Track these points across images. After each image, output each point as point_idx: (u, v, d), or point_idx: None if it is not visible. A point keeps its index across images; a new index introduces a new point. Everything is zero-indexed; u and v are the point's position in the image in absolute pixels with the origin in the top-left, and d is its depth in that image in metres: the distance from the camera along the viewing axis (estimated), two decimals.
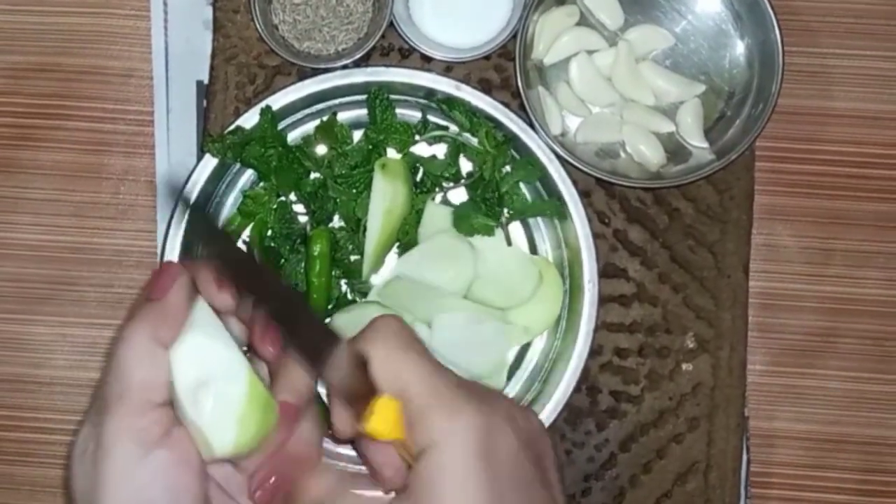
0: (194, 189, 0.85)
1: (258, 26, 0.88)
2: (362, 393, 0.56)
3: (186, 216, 0.70)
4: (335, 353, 0.57)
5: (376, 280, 0.88)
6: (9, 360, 0.96)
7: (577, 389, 0.86)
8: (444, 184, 0.89)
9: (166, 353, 0.57)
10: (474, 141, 0.88)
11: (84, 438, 0.57)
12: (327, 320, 0.86)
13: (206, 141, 0.84)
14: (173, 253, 0.85)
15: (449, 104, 0.86)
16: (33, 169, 0.96)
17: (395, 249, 0.89)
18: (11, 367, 0.96)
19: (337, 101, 0.89)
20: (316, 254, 0.85)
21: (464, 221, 0.86)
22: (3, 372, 0.96)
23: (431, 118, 0.90)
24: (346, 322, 0.85)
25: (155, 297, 0.58)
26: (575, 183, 0.86)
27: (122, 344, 0.57)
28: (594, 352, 0.90)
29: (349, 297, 0.89)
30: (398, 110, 0.88)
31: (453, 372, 0.58)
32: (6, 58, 0.96)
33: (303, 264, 0.87)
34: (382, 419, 0.55)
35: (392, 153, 0.90)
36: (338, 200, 0.88)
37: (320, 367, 0.58)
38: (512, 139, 0.87)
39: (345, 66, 0.87)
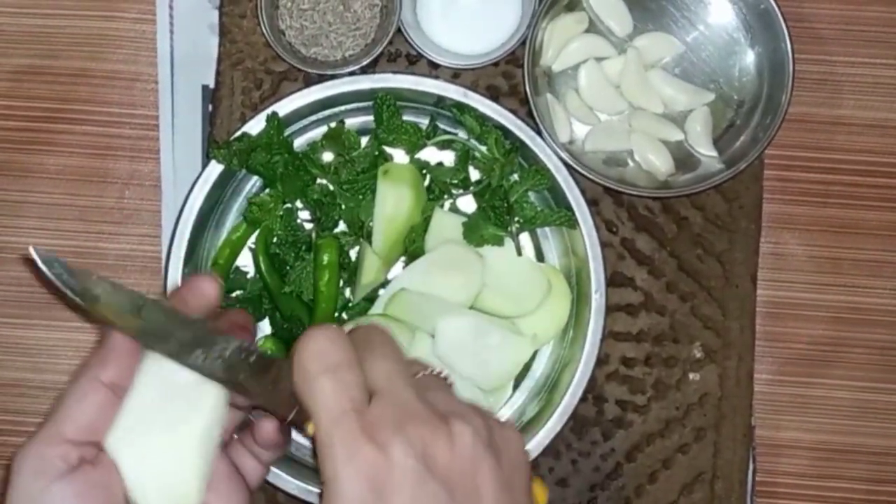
0: (200, 195, 0.85)
1: (265, 31, 0.88)
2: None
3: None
4: (281, 372, 0.56)
5: (383, 291, 0.87)
6: (11, 365, 0.95)
7: (583, 399, 0.85)
8: (453, 191, 0.89)
9: (104, 393, 0.56)
10: (482, 149, 0.87)
11: None
12: None
13: (212, 147, 0.84)
14: (178, 257, 0.84)
15: (460, 108, 0.85)
16: (38, 173, 0.95)
17: (401, 259, 0.89)
18: (14, 371, 0.95)
19: (344, 108, 0.89)
20: (325, 263, 0.85)
21: (473, 232, 0.85)
22: (5, 376, 0.95)
23: (439, 126, 0.89)
24: None
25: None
26: (583, 191, 0.86)
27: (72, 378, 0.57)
28: (601, 361, 0.89)
29: (352, 303, 0.88)
30: (406, 117, 0.88)
31: (433, 380, 0.56)
32: (11, 61, 0.95)
33: (308, 271, 0.87)
34: None
35: (399, 158, 0.89)
36: (343, 207, 0.87)
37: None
38: (520, 147, 0.86)
39: (352, 73, 0.87)
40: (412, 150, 0.88)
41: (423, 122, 0.89)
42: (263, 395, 0.57)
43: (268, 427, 0.59)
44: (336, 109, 0.88)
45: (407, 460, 0.50)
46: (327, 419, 0.51)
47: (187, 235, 0.85)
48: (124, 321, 0.56)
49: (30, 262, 0.56)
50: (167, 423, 0.57)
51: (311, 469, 0.85)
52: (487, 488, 0.53)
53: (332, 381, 0.52)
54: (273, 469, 0.81)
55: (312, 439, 0.53)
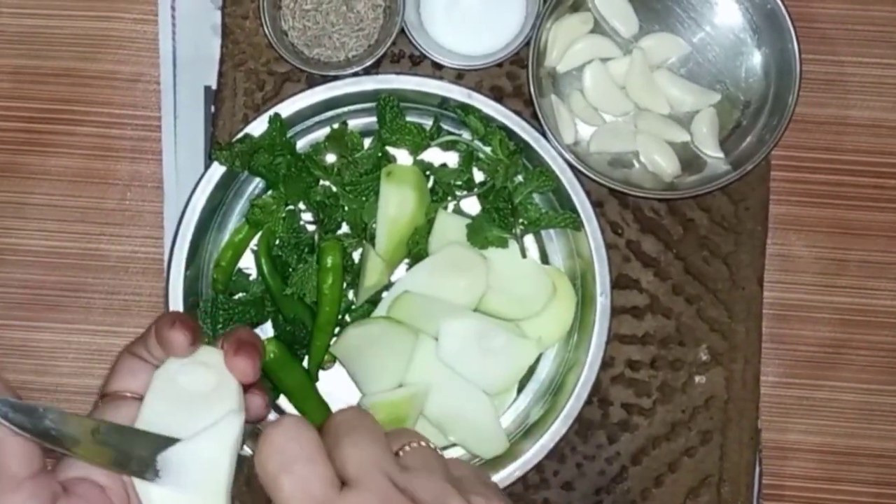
0: (202, 197, 0.84)
1: (267, 32, 0.87)
2: None
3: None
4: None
5: (386, 293, 0.87)
6: (14, 367, 0.95)
7: (588, 402, 0.85)
8: (457, 192, 0.88)
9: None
10: (487, 150, 0.86)
11: None
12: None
13: (214, 149, 0.83)
14: (180, 260, 0.84)
15: (464, 109, 0.85)
16: (40, 174, 0.95)
17: (405, 262, 0.88)
18: (16, 373, 0.95)
19: (346, 109, 0.88)
20: (328, 266, 0.85)
21: (478, 234, 0.85)
22: (7, 378, 0.95)
23: (443, 127, 0.88)
24: (356, 337, 0.84)
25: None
26: (588, 193, 0.85)
27: None
28: (606, 364, 0.89)
29: (356, 305, 0.88)
30: (409, 118, 0.87)
31: (424, 453, 0.54)
32: (13, 62, 0.95)
33: (310, 273, 0.86)
34: None
35: (402, 160, 0.89)
36: (346, 208, 0.87)
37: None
38: (524, 148, 0.86)
39: (355, 74, 0.86)
40: (416, 150, 0.88)
41: (427, 123, 0.88)
42: (239, 497, 0.55)
43: None
44: (339, 111, 0.88)
45: None
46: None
47: (189, 237, 0.84)
48: (82, 449, 0.54)
49: None
50: (184, 434, 0.56)
51: None
52: None
53: (290, 478, 0.50)
54: None
55: None
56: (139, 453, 0.54)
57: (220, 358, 0.58)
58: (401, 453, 0.53)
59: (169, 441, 0.55)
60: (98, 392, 0.60)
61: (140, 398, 0.57)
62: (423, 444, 0.54)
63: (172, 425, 0.56)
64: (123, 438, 0.55)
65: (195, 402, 0.57)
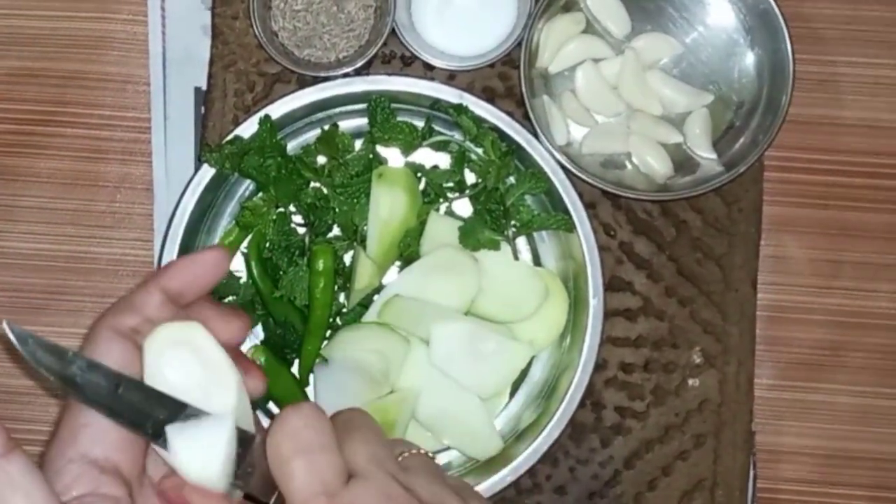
0: (191, 199, 0.84)
1: (257, 33, 0.87)
2: None
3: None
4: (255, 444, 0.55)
5: (377, 296, 0.86)
6: (4, 372, 0.95)
7: (581, 405, 0.84)
8: (449, 194, 0.88)
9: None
10: (479, 151, 0.86)
11: None
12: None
13: (204, 151, 0.83)
14: None
15: (456, 109, 0.84)
16: (28, 176, 0.94)
17: (396, 264, 0.88)
18: (6, 377, 0.95)
19: (337, 111, 0.88)
20: (320, 269, 0.84)
21: (470, 236, 0.84)
22: None
23: (435, 128, 0.88)
24: (348, 341, 0.83)
25: None
26: (580, 194, 0.85)
27: None
28: (599, 367, 0.88)
29: (347, 308, 0.87)
30: (400, 119, 0.87)
31: (417, 460, 0.55)
32: (1, 63, 0.94)
33: (301, 276, 0.86)
34: None
35: (393, 161, 0.88)
36: (337, 210, 0.86)
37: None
38: (516, 149, 0.85)
39: (346, 75, 0.86)
40: (407, 149, 0.87)
41: (419, 125, 0.88)
42: (242, 478, 0.55)
43: None
44: (330, 112, 0.87)
45: None
46: (299, 502, 0.50)
47: (179, 240, 0.84)
48: (103, 401, 0.53)
49: (3, 339, 0.55)
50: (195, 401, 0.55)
51: None
52: None
53: (304, 463, 0.50)
54: None
55: None
56: (157, 416, 0.54)
57: (202, 333, 0.56)
58: (400, 458, 0.54)
59: (188, 409, 0.54)
60: None
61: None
62: (421, 451, 0.55)
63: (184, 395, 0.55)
64: (145, 398, 0.54)
65: (189, 393, 0.56)
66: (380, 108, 0.85)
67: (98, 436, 0.54)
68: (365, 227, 0.86)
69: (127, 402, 0.54)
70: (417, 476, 0.52)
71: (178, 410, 0.54)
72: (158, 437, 0.54)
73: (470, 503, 0.53)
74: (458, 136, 0.87)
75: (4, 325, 0.53)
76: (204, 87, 0.92)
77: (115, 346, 0.56)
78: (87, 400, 0.53)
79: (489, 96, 0.91)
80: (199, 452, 0.53)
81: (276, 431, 0.51)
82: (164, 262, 0.84)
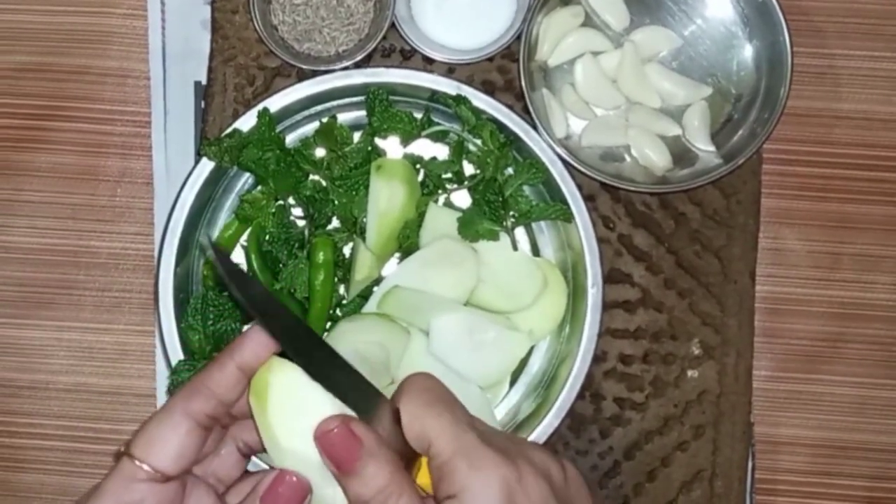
0: (191, 193, 0.84)
1: (257, 27, 0.87)
2: (409, 450, 0.57)
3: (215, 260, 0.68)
4: (379, 411, 0.58)
5: (377, 288, 0.87)
6: (3, 365, 0.95)
7: (580, 396, 0.85)
8: (447, 185, 0.88)
9: (197, 428, 0.58)
10: (477, 142, 0.86)
11: None
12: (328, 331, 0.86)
13: (203, 144, 0.83)
14: (170, 256, 0.84)
15: (455, 99, 0.84)
16: (29, 171, 0.94)
17: (396, 256, 0.88)
18: (6, 371, 0.95)
19: (336, 103, 0.88)
20: (320, 262, 0.84)
21: (469, 227, 0.84)
22: None
23: (434, 120, 0.88)
24: (348, 332, 0.83)
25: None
26: (579, 187, 0.85)
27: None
28: (598, 358, 0.89)
29: (346, 300, 0.87)
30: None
31: (484, 423, 0.59)
32: (1, 58, 0.94)
33: (300, 268, 0.86)
34: (426, 475, 0.57)
35: (392, 152, 0.88)
36: (336, 203, 0.86)
37: (364, 419, 0.58)
38: (515, 141, 0.85)
39: (345, 68, 0.86)
40: (406, 139, 0.87)
41: (417, 117, 0.88)
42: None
43: None
44: (328, 105, 0.88)
45: (533, 474, 0.54)
46: (451, 436, 0.54)
47: (179, 233, 0.84)
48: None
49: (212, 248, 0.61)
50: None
51: None
52: None
53: (448, 407, 0.56)
54: None
55: None
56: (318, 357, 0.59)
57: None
58: None
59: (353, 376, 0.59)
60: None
61: (159, 477, 0.58)
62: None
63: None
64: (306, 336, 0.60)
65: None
66: (378, 100, 0.85)
67: None
68: (364, 219, 0.86)
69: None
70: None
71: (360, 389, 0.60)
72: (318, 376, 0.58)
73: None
74: (456, 127, 0.88)
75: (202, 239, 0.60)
76: (204, 82, 0.92)
77: (182, 430, 0.58)
78: (268, 323, 0.59)
79: (488, 89, 0.91)
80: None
81: (415, 384, 0.57)
82: (164, 257, 0.84)
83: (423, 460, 0.57)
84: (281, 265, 0.87)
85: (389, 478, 0.55)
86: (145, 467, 0.57)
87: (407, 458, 0.57)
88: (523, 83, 0.86)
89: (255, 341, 0.60)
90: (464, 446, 0.54)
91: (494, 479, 0.53)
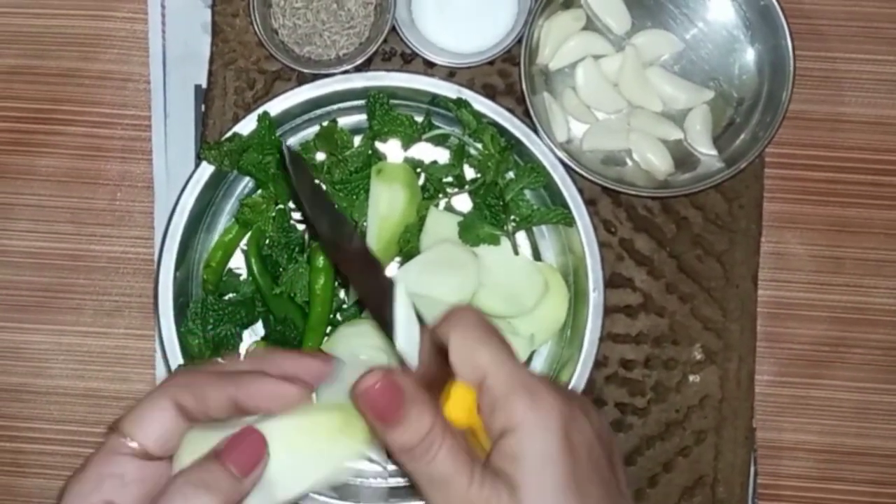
0: (191, 196, 0.84)
1: (257, 31, 0.87)
2: (440, 378, 0.57)
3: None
4: (417, 334, 0.58)
5: None
6: (3, 370, 0.95)
7: None
8: (448, 189, 0.88)
9: (183, 418, 0.58)
10: (478, 146, 0.86)
11: None
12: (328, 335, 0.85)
13: (203, 148, 0.83)
14: (170, 260, 0.83)
15: (457, 103, 0.84)
16: (28, 174, 0.94)
17: (396, 260, 0.88)
18: (6, 376, 0.94)
19: (336, 107, 0.88)
20: (320, 266, 0.84)
21: (469, 231, 0.84)
22: None
23: (435, 123, 0.88)
24: (350, 336, 0.83)
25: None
26: (581, 191, 0.84)
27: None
28: (599, 363, 0.88)
29: (347, 304, 0.87)
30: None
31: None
32: (1, 61, 0.94)
33: (300, 273, 0.85)
34: (458, 405, 0.57)
35: (392, 156, 0.88)
36: (337, 206, 0.86)
37: (387, 329, 0.58)
38: (516, 145, 0.85)
39: (346, 72, 0.86)
40: (407, 142, 0.87)
41: (418, 120, 0.87)
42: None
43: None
44: (328, 108, 0.87)
45: (583, 416, 0.56)
46: (509, 370, 0.56)
47: (179, 238, 0.84)
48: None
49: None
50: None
51: None
52: (616, 459, 0.60)
53: (502, 342, 0.58)
54: None
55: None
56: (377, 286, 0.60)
57: None
58: None
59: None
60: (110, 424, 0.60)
61: (143, 454, 0.58)
62: None
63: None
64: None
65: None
66: (378, 104, 0.85)
67: (123, 489, 0.56)
68: (364, 223, 0.86)
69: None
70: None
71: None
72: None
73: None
74: (457, 131, 0.87)
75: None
76: (204, 85, 0.92)
77: (169, 415, 0.58)
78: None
79: (489, 93, 0.91)
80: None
81: (465, 317, 0.59)
82: (163, 261, 0.83)
83: (454, 391, 0.57)
84: (281, 269, 0.86)
85: (433, 421, 0.55)
86: (130, 443, 0.57)
87: (434, 387, 0.57)
88: (524, 87, 0.85)
89: (261, 397, 0.59)
90: (522, 381, 0.55)
91: (554, 416, 0.54)
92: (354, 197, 0.86)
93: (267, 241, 0.87)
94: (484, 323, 0.59)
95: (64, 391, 0.94)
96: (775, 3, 0.85)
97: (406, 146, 0.88)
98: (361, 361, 0.83)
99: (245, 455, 0.56)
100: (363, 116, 0.87)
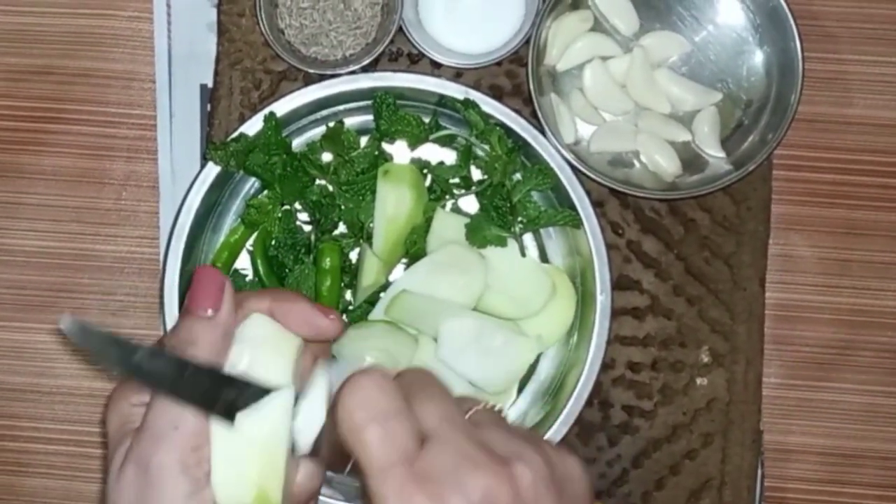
0: (197, 197, 0.83)
1: (264, 30, 0.86)
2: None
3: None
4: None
5: (384, 293, 0.86)
6: (8, 369, 0.94)
7: (588, 403, 0.84)
8: (455, 191, 0.87)
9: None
10: (485, 147, 0.86)
11: (120, 466, 0.54)
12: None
13: (209, 148, 0.82)
14: (175, 260, 0.83)
15: (464, 103, 0.84)
16: (34, 174, 0.94)
17: (402, 262, 0.88)
18: (11, 375, 0.94)
19: (343, 108, 0.87)
20: (327, 268, 0.84)
21: (476, 233, 0.84)
22: (2, 381, 0.94)
23: (441, 124, 0.88)
24: (355, 339, 0.83)
25: (205, 310, 0.55)
26: (588, 192, 0.84)
27: None
28: (607, 366, 0.88)
29: (353, 306, 0.87)
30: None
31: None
32: (6, 60, 0.94)
33: (307, 273, 0.85)
34: None
35: (399, 157, 0.88)
36: (343, 208, 0.86)
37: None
38: (523, 146, 0.85)
39: (352, 72, 0.85)
40: (414, 142, 0.87)
41: (425, 121, 0.87)
42: (313, 450, 0.55)
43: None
44: (335, 109, 0.87)
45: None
46: (378, 471, 0.48)
47: (184, 238, 0.84)
48: (167, 386, 0.53)
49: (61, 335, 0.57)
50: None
51: None
52: None
53: (380, 430, 0.49)
54: None
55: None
56: (227, 397, 0.53)
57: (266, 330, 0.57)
58: (468, 414, 0.53)
59: (256, 389, 0.54)
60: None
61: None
62: (487, 405, 0.54)
63: None
64: (211, 381, 0.53)
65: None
66: (385, 104, 0.85)
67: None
68: (371, 225, 0.85)
69: (193, 386, 0.53)
70: (490, 431, 0.51)
71: (245, 389, 0.54)
72: (229, 417, 0.53)
73: (547, 450, 0.51)
74: (464, 132, 0.87)
75: (62, 324, 0.51)
76: (210, 85, 0.92)
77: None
78: (155, 386, 0.53)
79: (496, 94, 0.90)
80: (266, 426, 0.53)
81: (349, 398, 0.50)
82: (169, 261, 0.83)
83: None
84: (287, 270, 0.86)
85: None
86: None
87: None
88: (532, 88, 0.85)
89: (294, 317, 0.57)
90: (393, 483, 0.49)
91: None
92: (361, 198, 0.85)
93: (273, 242, 0.86)
94: (379, 395, 0.50)
95: (68, 391, 0.94)
96: (784, 5, 0.85)
97: (413, 147, 0.88)
98: (367, 363, 0.83)
99: (205, 291, 0.55)
100: (370, 117, 0.87)
